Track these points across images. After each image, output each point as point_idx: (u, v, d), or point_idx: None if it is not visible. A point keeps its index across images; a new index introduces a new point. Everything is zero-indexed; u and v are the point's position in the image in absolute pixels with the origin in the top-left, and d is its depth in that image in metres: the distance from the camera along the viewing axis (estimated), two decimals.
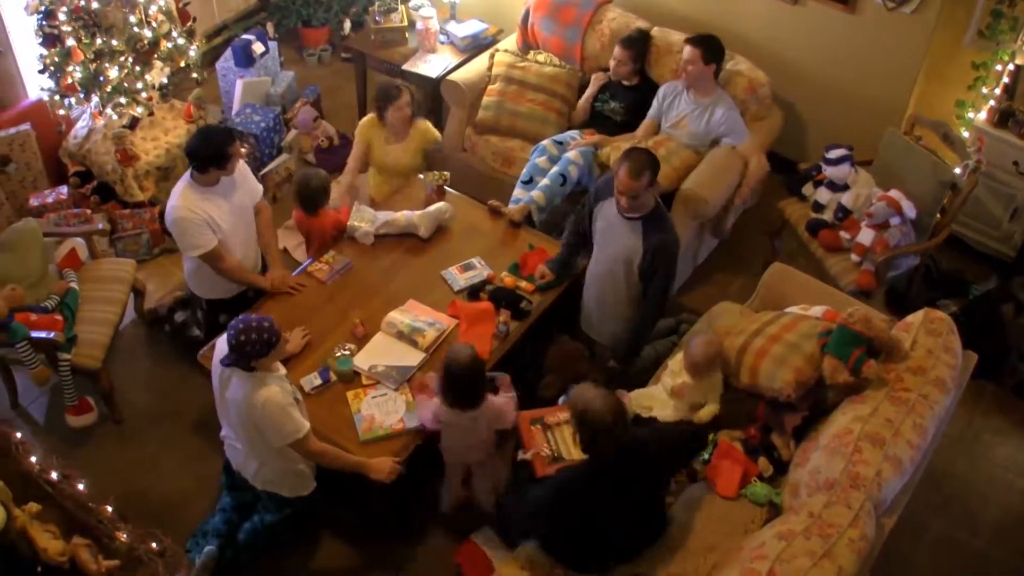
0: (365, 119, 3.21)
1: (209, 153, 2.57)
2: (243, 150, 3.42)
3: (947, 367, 2.36)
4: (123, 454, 2.84)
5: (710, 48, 3.05)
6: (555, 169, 3.16)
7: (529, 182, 3.19)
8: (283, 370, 2.31)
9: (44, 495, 1.63)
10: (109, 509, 1.58)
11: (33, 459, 1.64)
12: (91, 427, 2.90)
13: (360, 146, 3.20)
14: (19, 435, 1.69)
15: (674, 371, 2.53)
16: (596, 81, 3.40)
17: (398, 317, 2.66)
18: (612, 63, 3.29)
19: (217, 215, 2.65)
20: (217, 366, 2.28)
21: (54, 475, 1.62)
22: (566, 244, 2.84)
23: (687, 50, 3.05)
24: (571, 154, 3.17)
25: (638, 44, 3.29)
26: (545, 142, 3.25)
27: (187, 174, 2.67)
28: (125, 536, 1.54)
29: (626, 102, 3.33)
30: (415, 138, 3.17)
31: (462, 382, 2.28)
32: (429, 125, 3.22)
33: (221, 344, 2.26)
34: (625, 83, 3.35)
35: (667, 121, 3.25)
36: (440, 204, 2.98)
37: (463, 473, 2.55)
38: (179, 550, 1.58)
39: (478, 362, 2.31)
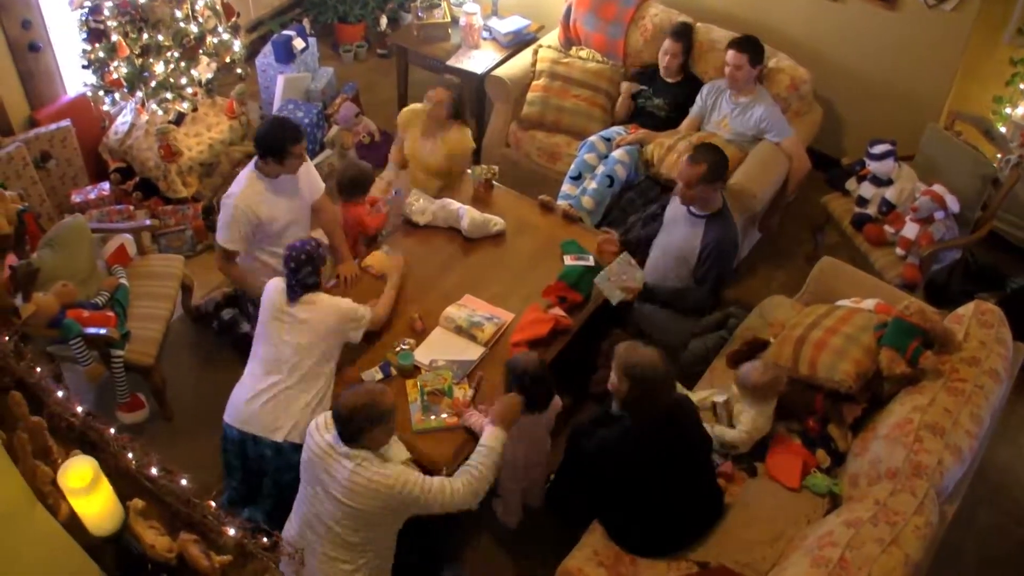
0: (408, 108, 3.17)
1: (269, 144, 2.55)
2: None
3: (1000, 358, 2.41)
4: (173, 451, 2.83)
5: (756, 51, 3.10)
6: (602, 170, 3.17)
7: (578, 178, 3.22)
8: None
9: (143, 491, 1.64)
10: (213, 504, 1.59)
11: (130, 455, 1.65)
12: (141, 424, 2.91)
13: (400, 137, 3.17)
14: (113, 431, 1.69)
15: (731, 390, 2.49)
16: (627, 92, 3.39)
17: (455, 312, 2.68)
18: (663, 57, 3.30)
19: (272, 212, 2.65)
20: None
21: (154, 471, 1.63)
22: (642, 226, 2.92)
23: (732, 55, 3.08)
24: (617, 153, 3.20)
25: (687, 36, 3.31)
26: (593, 138, 3.27)
27: (253, 160, 2.66)
28: (233, 531, 1.55)
29: (669, 98, 3.35)
30: (446, 142, 3.07)
31: (537, 388, 2.30)
32: (465, 134, 3.08)
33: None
34: (669, 80, 3.36)
35: (709, 120, 3.29)
36: (493, 217, 2.96)
37: (523, 480, 2.57)
38: (288, 543, 1.59)
39: (545, 365, 2.35)
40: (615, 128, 3.35)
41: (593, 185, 3.16)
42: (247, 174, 2.64)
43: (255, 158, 2.64)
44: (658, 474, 2.17)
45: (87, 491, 1.32)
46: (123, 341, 2.76)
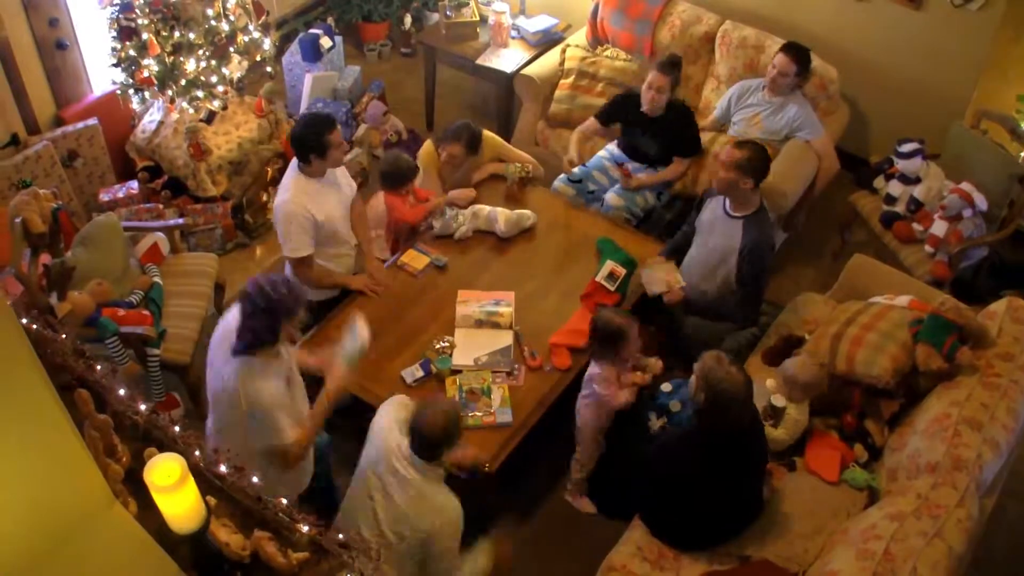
0: (428, 148, 3.10)
1: (308, 141, 2.52)
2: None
3: None
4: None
5: (805, 64, 3.09)
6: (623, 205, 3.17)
7: (578, 182, 3.20)
8: (284, 354, 2.04)
9: (213, 488, 1.65)
10: (284, 501, 1.60)
11: (197, 453, 1.66)
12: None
13: (431, 173, 3.08)
14: (177, 429, 1.70)
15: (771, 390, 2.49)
16: (581, 139, 3.19)
17: (466, 309, 2.70)
18: (647, 92, 2.99)
19: (326, 211, 2.64)
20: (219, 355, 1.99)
21: (223, 468, 1.64)
22: (683, 232, 2.91)
23: (783, 60, 3.06)
24: (610, 198, 3.16)
25: (676, 70, 3.02)
26: (607, 161, 3.22)
27: (293, 163, 2.63)
28: (307, 528, 1.56)
29: (656, 135, 3.13)
30: (475, 162, 3.06)
31: (601, 340, 2.39)
32: (490, 136, 3.08)
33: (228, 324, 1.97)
34: (650, 116, 3.06)
35: (738, 117, 3.30)
36: (525, 211, 2.99)
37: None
38: (364, 538, 1.60)
39: (619, 321, 2.38)
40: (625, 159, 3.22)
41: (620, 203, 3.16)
42: (293, 179, 2.61)
43: (294, 162, 2.62)
44: (710, 483, 2.19)
45: (174, 488, 1.33)
46: (159, 340, 2.76)
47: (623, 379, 2.44)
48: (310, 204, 2.59)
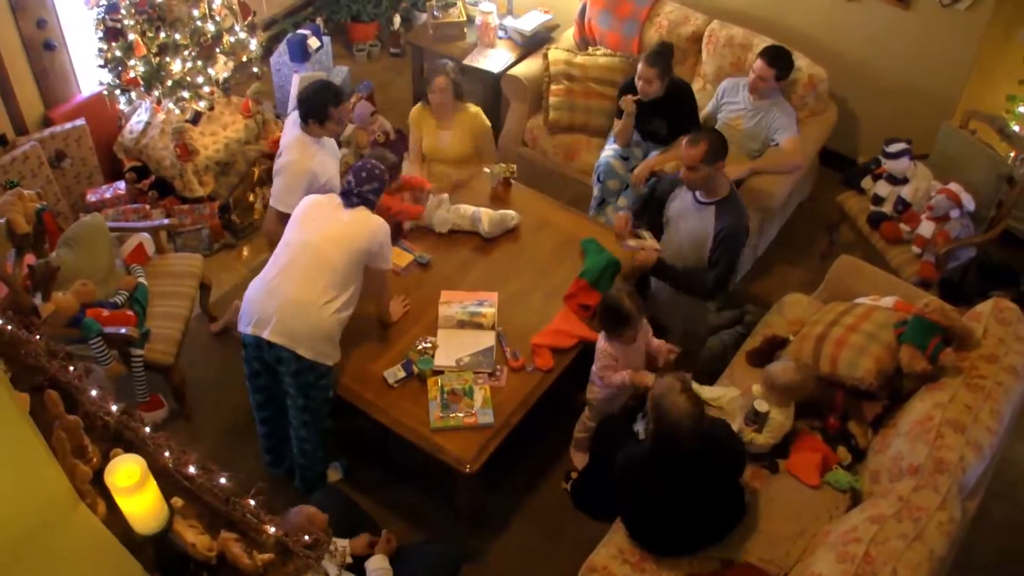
0: (414, 108, 3.24)
1: (311, 105, 2.65)
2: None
3: (1018, 354, 2.42)
4: (193, 450, 2.83)
5: (785, 68, 3.09)
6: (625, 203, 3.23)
7: (602, 204, 3.24)
8: None
9: (181, 489, 1.64)
10: (252, 502, 1.59)
11: (167, 453, 1.65)
12: (161, 423, 2.91)
13: (415, 135, 3.23)
14: (148, 429, 1.69)
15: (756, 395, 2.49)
16: (628, 108, 3.13)
17: (448, 310, 2.70)
18: (638, 82, 3.05)
19: (321, 170, 2.73)
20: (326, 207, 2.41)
21: (192, 469, 1.63)
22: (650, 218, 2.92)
23: (760, 65, 3.06)
24: (620, 201, 3.22)
25: (664, 59, 3.05)
26: (611, 160, 3.20)
27: (290, 122, 2.73)
28: (273, 529, 1.55)
29: (663, 116, 3.19)
30: (463, 123, 3.16)
31: (607, 316, 2.44)
32: (478, 111, 3.19)
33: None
34: (650, 99, 3.09)
35: (721, 115, 3.29)
36: (508, 211, 2.99)
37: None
38: (329, 540, 1.60)
39: (622, 297, 2.42)
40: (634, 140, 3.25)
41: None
42: (296, 136, 2.72)
43: (293, 121, 2.72)
44: (678, 496, 2.19)
45: (134, 490, 1.32)
46: (143, 340, 2.76)
47: (630, 371, 2.48)
48: (311, 159, 2.70)
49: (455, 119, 3.16)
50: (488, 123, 3.23)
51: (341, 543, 2.23)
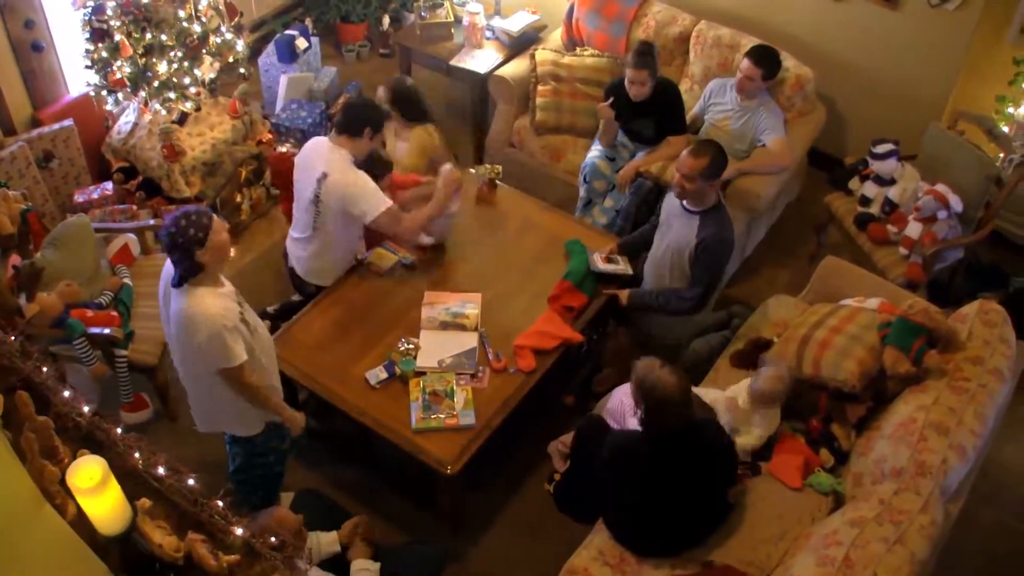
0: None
1: (371, 119, 2.61)
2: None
3: (1003, 357, 2.41)
4: (178, 451, 2.80)
5: (772, 68, 3.07)
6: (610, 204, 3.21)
7: (589, 204, 3.22)
8: (228, 286, 2.17)
9: (150, 490, 1.64)
10: (220, 504, 1.59)
11: (137, 455, 1.65)
12: (145, 424, 2.91)
13: (389, 139, 3.12)
14: (120, 431, 1.69)
15: (740, 394, 2.48)
16: (603, 115, 3.13)
17: (431, 311, 2.69)
18: (629, 85, 3.04)
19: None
20: (165, 292, 2.15)
21: (161, 470, 1.63)
22: (642, 231, 2.90)
23: (747, 65, 3.04)
24: (608, 205, 3.20)
25: (651, 59, 3.02)
26: (597, 161, 3.19)
27: (340, 157, 2.60)
28: (240, 531, 1.55)
29: (650, 116, 3.17)
30: (415, 138, 3.03)
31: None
32: (429, 130, 3.03)
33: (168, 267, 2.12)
34: (638, 100, 3.08)
35: (708, 116, 3.28)
36: (449, 214, 2.86)
37: None
38: (298, 543, 1.59)
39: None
40: (620, 140, 3.24)
41: (603, 220, 3.18)
42: (350, 165, 2.60)
43: (342, 156, 2.60)
44: (667, 487, 2.17)
45: (96, 491, 1.32)
46: (127, 341, 2.76)
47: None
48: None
49: (410, 132, 3.05)
50: (437, 140, 3.08)
51: (328, 536, 2.24)
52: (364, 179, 2.59)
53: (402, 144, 3.10)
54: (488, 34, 3.72)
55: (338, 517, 2.36)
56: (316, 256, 2.78)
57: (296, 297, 3.06)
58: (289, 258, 2.89)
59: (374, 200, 2.57)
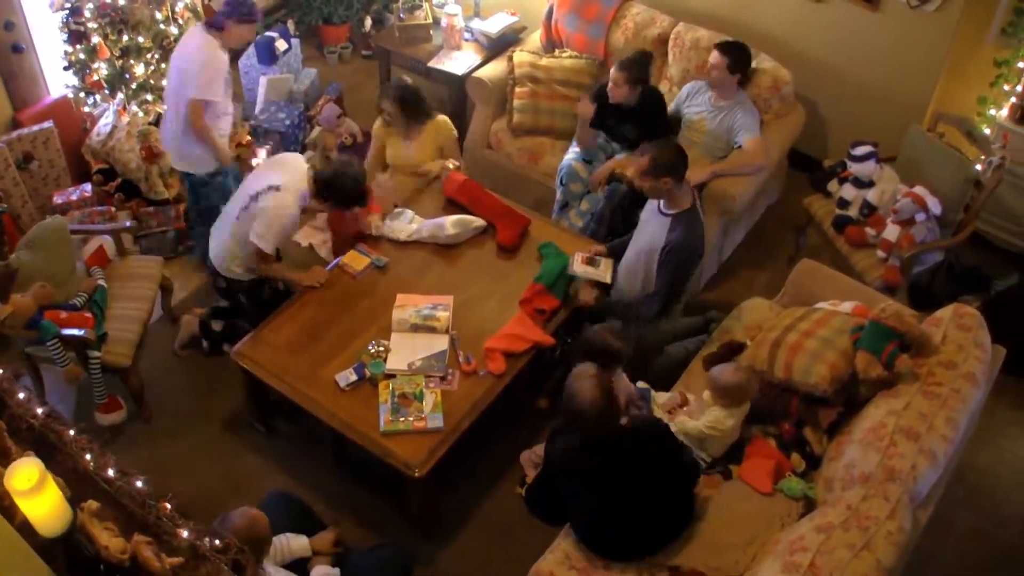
0: (377, 122, 3.19)
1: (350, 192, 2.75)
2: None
3: (977, 361, 2.38)
4: (152, 452, 2.84)
5: (737, 59, 3.05)
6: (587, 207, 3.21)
7: (565, 207, 3.22)
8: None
9: (101, 492, 1.63)
10: (168, 506, 1.58)
11: (88, 456, 1.64)
12: (120, 425, 2.91)
13: (376, 146, 3.20)
14: (72, 432, 1.68)
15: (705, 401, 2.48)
16: (581, 111, 3.12)
17: (402, 314, 2.68)
18: (613, 89, 3.06)
19: None
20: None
21: (111, 472, 1.62)
22: (624, 240, 2.89)
23: (714, 55, 3.04)
24: (584, 208, 3.19)
25: (637, 66, 3.04)
26: (574, 163, 3.18)
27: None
28: (186, 533, 1.54)
29: (632, 121, 3.17)
30: (430, 132, 3.12)
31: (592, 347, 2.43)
32: (445, 121, 3.15)
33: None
34: (624, 105, 3.11)
35: (686, 117, 3.26)
36: (471, 217, 2.95)
37: None
38: (242, 546, 1.58)
39: (587, 337, 2.45)
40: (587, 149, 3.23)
41: (580, 223, 3.18)
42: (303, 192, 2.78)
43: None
44: (616, 492, 2.16)
45: (33, 492, 1.31)
46: (100, 343, 2.76)
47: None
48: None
49: (422, 130, 3.12)
50: (454, 132, 3.18)
51: (299, 540, 2.23)
52: (294, 220, 2.77)
53: (410, 144, 3.15)
54: (467, 36, 3.72)
55: (309, 520, 2.35)
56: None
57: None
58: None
59: (269, 235, 2.71)
